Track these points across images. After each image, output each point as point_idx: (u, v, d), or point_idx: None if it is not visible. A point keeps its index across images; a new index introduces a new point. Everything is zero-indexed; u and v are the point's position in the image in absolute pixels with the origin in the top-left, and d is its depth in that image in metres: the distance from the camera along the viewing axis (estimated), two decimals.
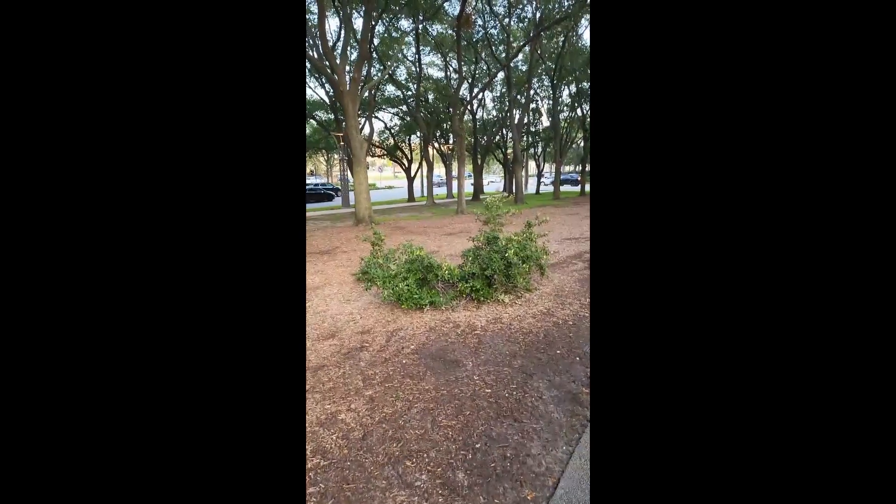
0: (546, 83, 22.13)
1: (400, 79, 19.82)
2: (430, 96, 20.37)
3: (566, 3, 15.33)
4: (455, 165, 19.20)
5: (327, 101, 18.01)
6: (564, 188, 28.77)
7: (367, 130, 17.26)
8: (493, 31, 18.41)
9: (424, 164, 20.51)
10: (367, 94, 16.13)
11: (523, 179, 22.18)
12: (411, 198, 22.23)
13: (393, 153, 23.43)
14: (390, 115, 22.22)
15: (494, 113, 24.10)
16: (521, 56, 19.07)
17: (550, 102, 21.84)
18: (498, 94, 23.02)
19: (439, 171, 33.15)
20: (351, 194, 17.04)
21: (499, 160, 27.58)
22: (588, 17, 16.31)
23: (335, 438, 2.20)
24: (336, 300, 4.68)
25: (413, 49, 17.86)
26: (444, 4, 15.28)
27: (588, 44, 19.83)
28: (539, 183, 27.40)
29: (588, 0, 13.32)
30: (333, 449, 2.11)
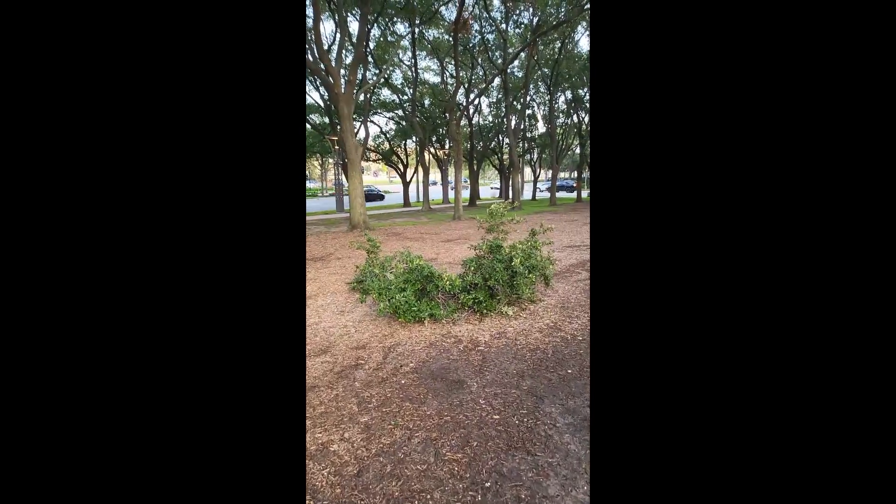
0: (542, 89, 22.12)
1: (396, 83, 19.68)
2: (427, 101, 20.22)
3: (563, 12, 15.28)
4: (451, 171, 19.01)
5: (322, 104, 17.80)
6: (560, 194, 28.74)
7: (362, 134, 17.02)
8: (490, 37, 18.34)
9: (420, 168, 20.29)
10: (362, 97, 15.96)
11: (520, 185, 22.04)
12: (407, 203, 22.01)
13: (388, 157, 23.26)
14: (386, 119, 22.08)
15: (491, 118, 24.04)
16: (517, 62, 19.04)
17: (547, 108, 21.82)
18: (494, 100, 22.97)
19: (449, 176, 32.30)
20: (346, 199, 16.77)
21: (495, 166, 27.49)
22: (585, 23, 16.33)
23: (326, 475, 1.95)
24: (329, 311, 4.42)
25: (409, 53, 17.76)
26: (441, 9, 15.16)
27: (584, 50, 19.89)
28: (535, 189, 27.30)
29: (585, 6, 13.28)
30: (325, 487, 1.86)
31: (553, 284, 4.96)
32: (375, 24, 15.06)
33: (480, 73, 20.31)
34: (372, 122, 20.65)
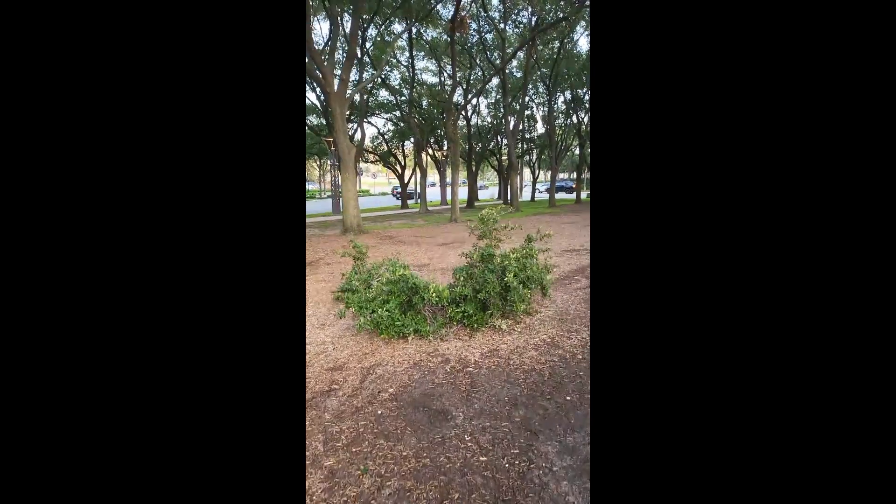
0: (541, 89, 21.79)
1: (393, 84, 19.36)
2: (424, 102, 19.88)
3: (561, 12, 14.97)
4: (449, 172, 18.67)
5: (318, 105, 17.50)
6: (559, 195, 28.39)
7: (358, 135, 16.70)
8: (488, 36, 18.03)
9: (418, 170, 19.97)
10: (357, 97, 15.65)
11: (518, 187, 21.69)
12: (405, 204, 21.67)
13: (386, 159, 22.93)
14: (383, 120, 21.76)
15: (489, 119, 23.71)
16: (515, 62, 18.71)
17: (546, 109, 21.49)
18: (493, 101, 22.65)
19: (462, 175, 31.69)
20: (341, 201, 16.45)
21: (493, 167, 27.13)
22: (584, 22, 16.02)
23: None
24: (309, 324, 4.08)
25: (406, 53, 17.44)
26: (438, 7, 14.84)
27: (584, 50, 19.58)
28: (534, 190, 26.91)
29: (585, 2, 12.97)
30: None
31: (551, 294, 4.62)
32: (372, 24, 14.76)
33: (479, 74, 19.99)
34: (370, 123, 20.35)
